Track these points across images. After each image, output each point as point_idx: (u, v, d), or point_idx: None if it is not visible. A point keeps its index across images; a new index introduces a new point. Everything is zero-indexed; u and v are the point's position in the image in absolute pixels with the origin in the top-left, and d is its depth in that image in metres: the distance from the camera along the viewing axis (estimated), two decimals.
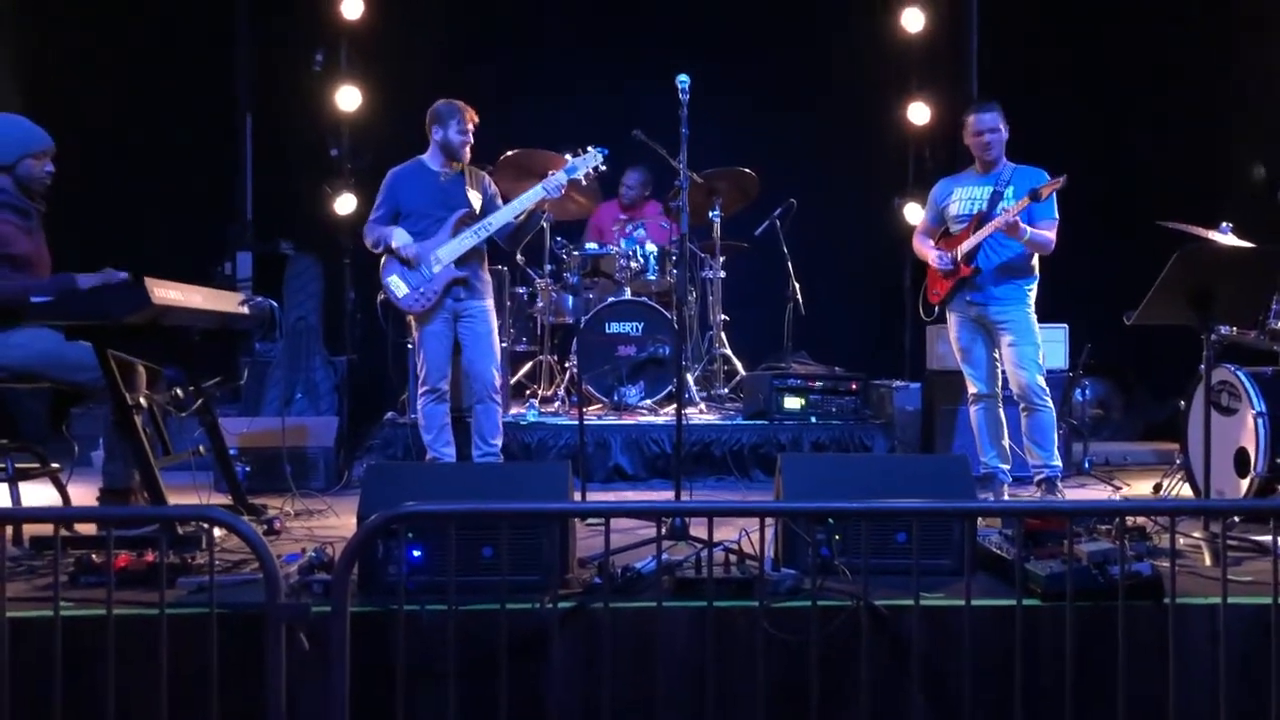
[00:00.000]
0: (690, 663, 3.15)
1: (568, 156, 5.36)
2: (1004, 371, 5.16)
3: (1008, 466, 5.21)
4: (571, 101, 7.93)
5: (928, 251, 5.23)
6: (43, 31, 7.61)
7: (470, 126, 5.22)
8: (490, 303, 5.33)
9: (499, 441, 5.32)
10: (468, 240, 5.15)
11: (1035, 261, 5.10)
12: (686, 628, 3.21)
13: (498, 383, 5.30)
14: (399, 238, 5.09)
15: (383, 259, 5.19)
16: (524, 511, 2.78)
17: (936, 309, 5.27)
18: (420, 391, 5.23)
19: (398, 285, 5.12)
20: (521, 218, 5.28)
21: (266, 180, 8.04)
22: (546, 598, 3.18)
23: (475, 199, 5.27)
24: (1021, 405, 5.07)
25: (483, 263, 5.32)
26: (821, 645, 2.88)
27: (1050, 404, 5.06)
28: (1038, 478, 5.10)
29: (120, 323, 3.93)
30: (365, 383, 7.16)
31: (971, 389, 5.21)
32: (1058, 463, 5.10)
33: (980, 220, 5.01)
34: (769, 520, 3.49)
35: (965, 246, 5.02)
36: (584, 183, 5.63)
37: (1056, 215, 5.01)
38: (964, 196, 5.13)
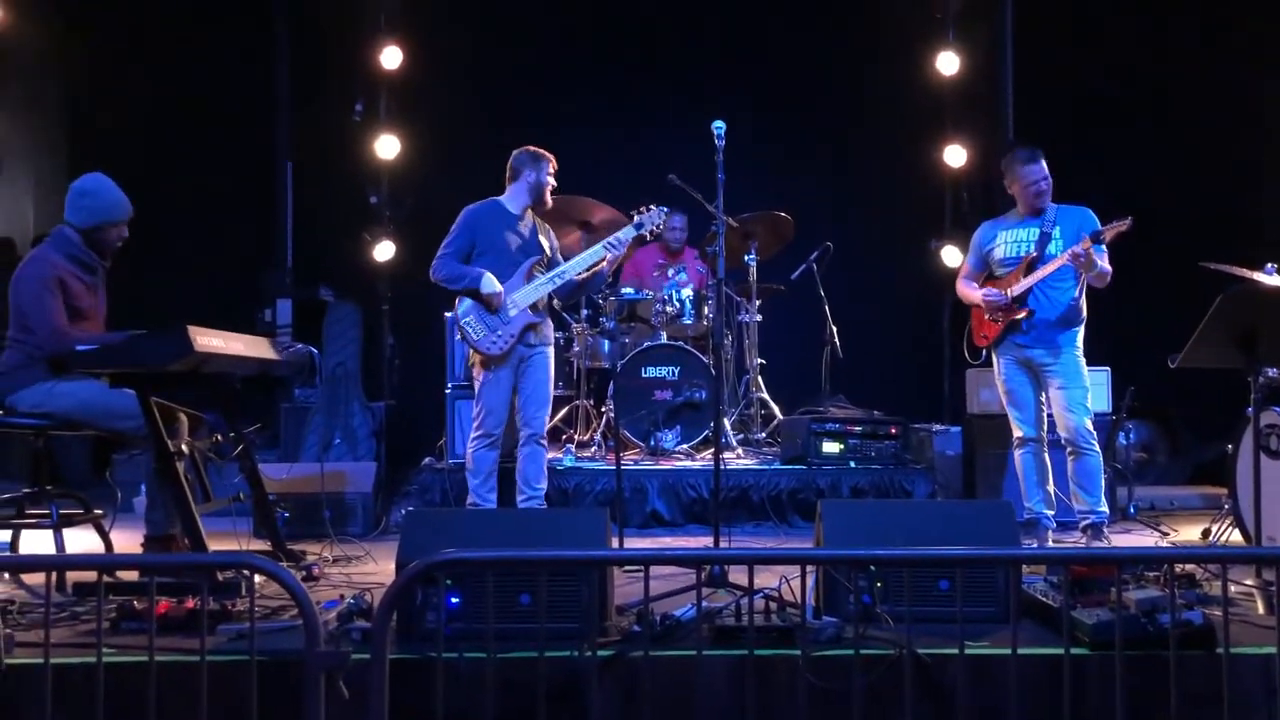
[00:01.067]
0: (730, 712, 3.11)
1: (634, 214, 5.38)
2: (1050, 415, 5.10)
3: (1052, 512, 5.14)
4: (608, 148, 8.00)
5: (973, 294, 5.20)
6: (87, 79, 7.78)
7: (554, 172, 5.27)
8: (552, 350, 5.34)
9: (544, 486, 5.28)
10: (544, 286, 5.17)
11: (1083, 305, 5.06)
12: (726, 676, 3.17)
13: (547, 428, 5.30)
14: (489, 285, 5.05)
15: (459, 298, 5.19)
16: (563, 560, 2.76)
17: (984, 352, 5.24)
18: (474, 435, 5.19)
19: (475, 327, 5.10)
20: (585, 275, 5.30)
21: (306, 228, 8.17)
22: (585, 645, 3.15)
23: (547, 246, 5.31)
24: (1069, 450, 5.01)
25: (548, 309, 5.34)
26: (864, 694, 2.83)
27: (1097, 448, 5.01)
28: (1084, 523, 5.02)
29: (163, 370, 3.98)
30: (403, 428, 7.19)
31: (1017, 432, 5.15)
32: (1104, 509, 5.02)
33: (1031, 264, 4.98)
34: (810, 568, 3.45)
35: (1017, 289, 4.98)
36: (648, 239, 5.65)
37: (1105, 250, 4.95)
38: (1010, 239, 5.11)
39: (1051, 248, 4.97)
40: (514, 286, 5.13)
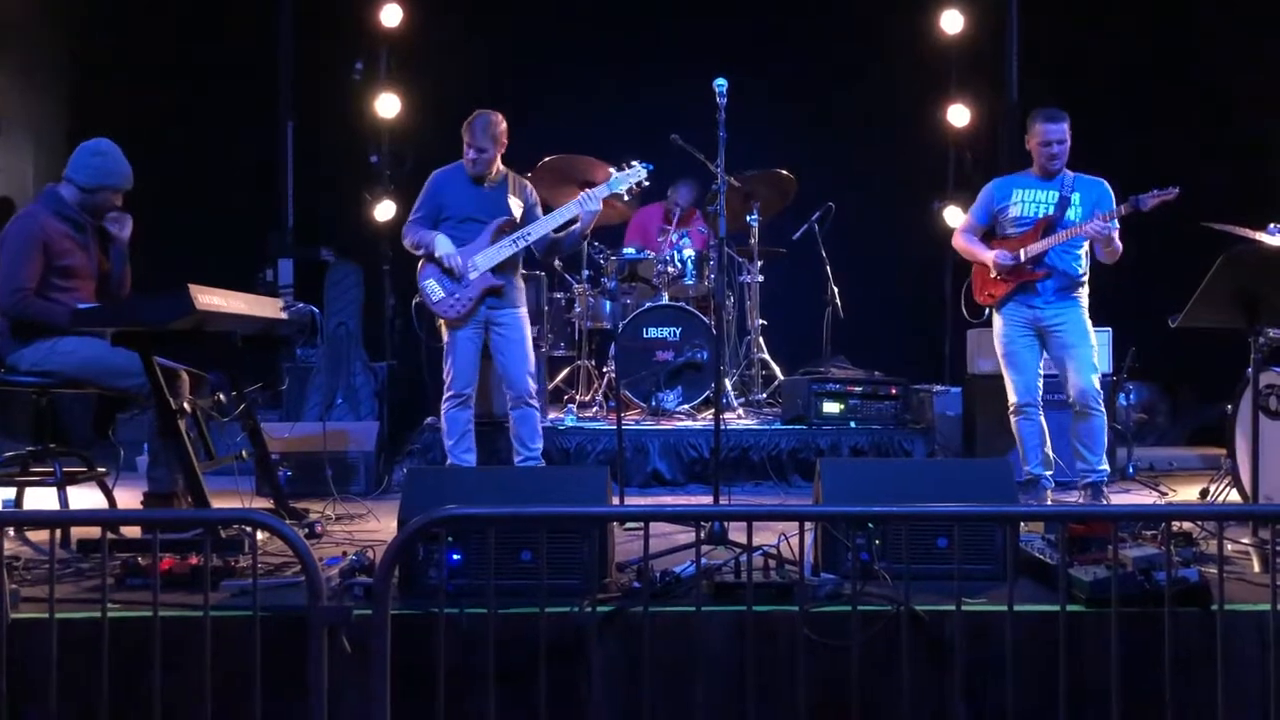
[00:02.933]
0: (730, 667, 3.14)
1: (611, 170, 5.36)
2: (1047, 377, 5.11)
3: (1050, 472, 5.16)
4: (609, 106, 7.96)
5: (978, 251, 5.15)
6: (86, 39, 7.73)
7: (468, 140, 5.14)
8: (524, 310, 5.34)
9: (539, 445, 5.33)
10: (505, 249, 5.16)
11: (1088, 276, 5.07)
12: (725, 632, 3.20)
13: (533, 388, 5.31)
14: (442, 246, 5.09)
15: (420, 262, 5.21)
16: (563, 515, 2.78)
17: (987, 311, 5.21)
18: (445, 396, 5.22)
19: (434, 289, 5.13)
20: (560, 233, 5.29)
21: (307, 187, 8.13)
22: (585, 601, 3.18)
23: (516, 207, 5.28)
24: (1076, 408, 5.00)
25: (517, 271, 5.33)
26: (862, 650, 2.86)
27: (1103, 409, 5.00)
28: (1083, 481, 5.04)
29: (164, 328, 3.99)
30: (405, 388, 7.22)
31: (1012, 397, 5.14)
32: (1105, 468, 5.03)
33: (1050, 225, 4.95)
34: (808, 525, 3.47)
35: (1035, 249, 4.94)
36: (626, 197, 5.62)
37: (1117, 226, 4.93)
38: (1027, 199, 5.05)
39: (1070, 213, 4.94)
40: (477, 248, 5.13)
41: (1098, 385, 4.98)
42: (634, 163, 5.33)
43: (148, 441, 4.52)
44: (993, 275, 5.11)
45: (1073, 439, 5.07)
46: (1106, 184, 5.01)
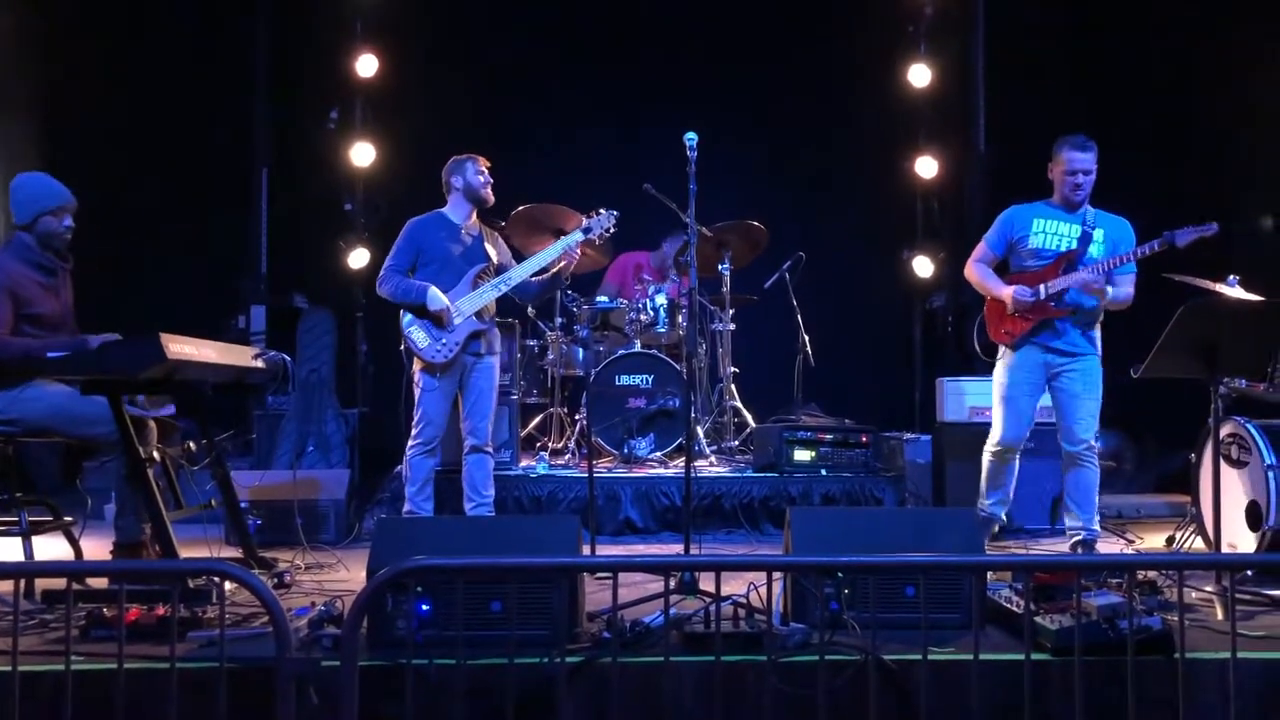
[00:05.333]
0: (700, 717, 3.14)
1: (583, 218, 5.43)
2: (1037, 423, 5.02)
3: (1005, 512, 5.15)
4: (583, 156, 8.06)
5: (993, 285, 4.94)
6: (62, 82, 7.74)
7: (486, 170, 5.31)
8: (497, 360, 5.38)
9: (491, 493, 5.33)
10: (489, 293, 5.21)
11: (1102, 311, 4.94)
12: (695, 682, 3.20)
13: (490, 435, 5.33)
14: (435, 301, 5.08)
15: (402, 309, 5.22)
16: (532, 566, 2.79)
17: (1003, 349, 4.99)
18: (413, 443, 5.21)
19: (419, 336, 5.13)
20: (543, 277, 5.34)
21: (281, 234, 8.15)
22: (555, 652, 3.18)
23: (493, 253, 5.34)
24: (1068, 457, 4.88)
25: (493, 319, 5.37)
26: (830, 700, 2.87)
27: (1096, 464, 4.89)
28: (1074, 540, 4.92)
29: (135, 377, 3.98)
30: (377, 435, 7.19)
31: (995, 435, 5.00)
32: (1097, 526, 4.93)
33: (1071, 260, 4.77)
34: (777, 575, 3.49)
35: (1055, 285, 4.76)
36: (598, 243, 5.68)
37: (1135, 268, 4.83)
38: (1050, 230, 4.86)
39: (1093, 249, 4.78)
40: (459, 294, 5.17)
41: (1094, 441, 4.88)
42: (602, 210, 5.40)
43: (115, 490, 4.48)
44: (1010, 311, 4.88)
45: (1064, 493, 4.95)
46: (1130, 226, 4.87)
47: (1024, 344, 4.89)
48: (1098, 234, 4.82)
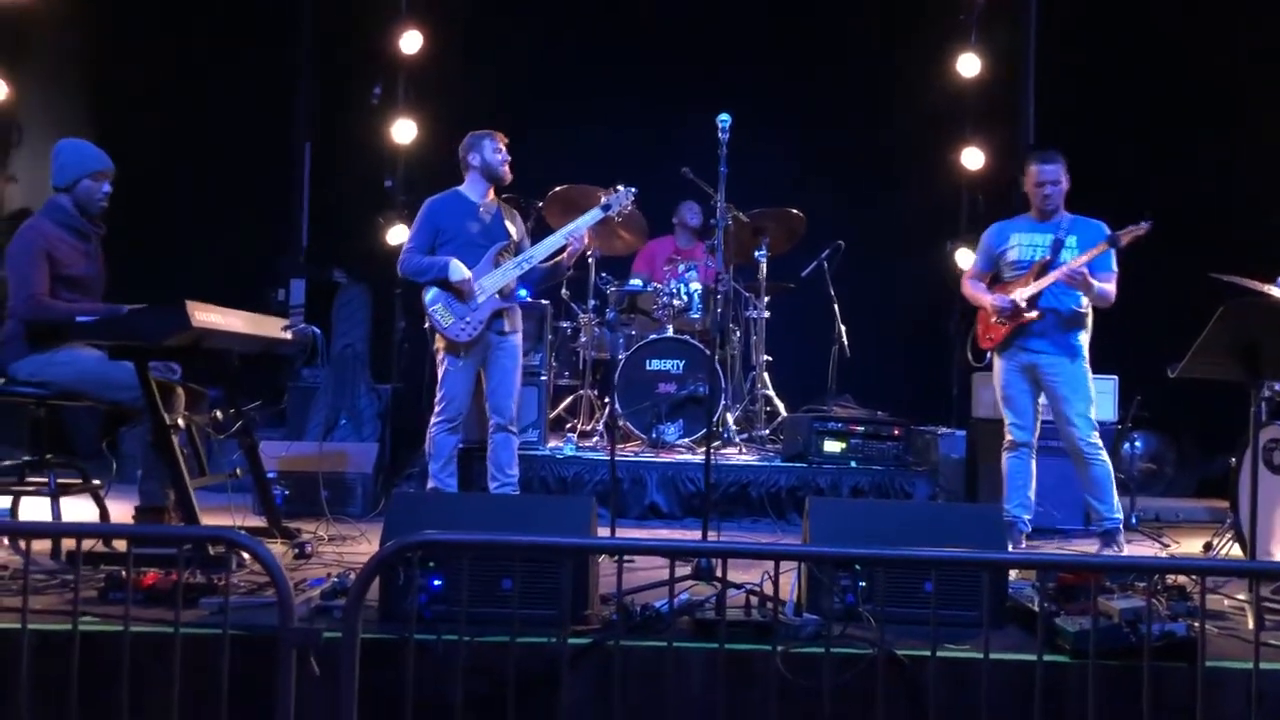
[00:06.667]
0: (704, 705, 3.10)
1: (601, 195, 5.38)
2: (1044, 422, 5.11)
3: (1029, 517, 5.16)
4: (622, 138, 7.99)
5: (982, 296, 5.18)
6: (107, 53, 7.82)
7: (504, 147, 5.26)
8: (520, 337, 5.35)
9: (516, 472, 5.31)
10: (511, 271, 5.19)
11: (1090, 314, 5.05)
12: (702, 669, 3.17)
13: (515, 414, 5.31)
14: (457, 272, 5.05)
15: (425, 287, 5.22)
16: (538, 545, 2.76)
17: (988, 355, 5.23)
18: (436, 420, 5.20)
19: (443, 314, 5.11)
20: (549, 262, 5.30)
21: (322, 209, 8.19)
22: (560, 633, 3.15)
23: (513, 231, 5.31)
24: (1075, 457, 5.01)
25: (515, 296, 5.35)
26: (838, 693, 2.82)
27: (1103, 457, 4.99)
28: (1098, 530, 5.07)
29: (160, 344, 4.01)
30: (409, 411, 7.21)
31: (1009, 436, 5.16)
32: (1118, 515, 5.01)
33: (1044, 268, 4.96)
34: (790, 565, 3.44)
35: (1028, 291, 4.96)
36: (618, 219, 5.61)
37: (1115, 268, 4.96)
38: (1024, 243, 5.09)
39: (1065, 255, 4.95)
40: (481, 272, 5.14)
41: (1093, 437, 4.97)
42: (619, 187, 5.35)
43: (141, 455, 4.53)
44: (992, 320, 5.14)
45: (1083, 492, 5.09)
46: (1105, 226, 4.99)
47: (1005, 348, 5.11)
48: (1070, 240, 4.99)
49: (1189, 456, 7.39)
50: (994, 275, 5.23)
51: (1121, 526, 5.04)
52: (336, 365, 6.90)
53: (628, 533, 5.36)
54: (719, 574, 3.55)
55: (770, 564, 3.75)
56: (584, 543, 3.12)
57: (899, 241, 8.03)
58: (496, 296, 5.15)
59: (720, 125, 4.38)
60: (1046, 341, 5.00)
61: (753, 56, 8.20)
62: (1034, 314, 4.97)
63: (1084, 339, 5.05)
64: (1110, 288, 4.93)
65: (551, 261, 5.31)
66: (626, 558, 4.18)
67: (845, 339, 6.98)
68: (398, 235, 7.80)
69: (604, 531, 4.31)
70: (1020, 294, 4.98)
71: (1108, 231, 4.95)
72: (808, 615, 3.47)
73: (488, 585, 3.31)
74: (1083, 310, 5.02)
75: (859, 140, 8.09)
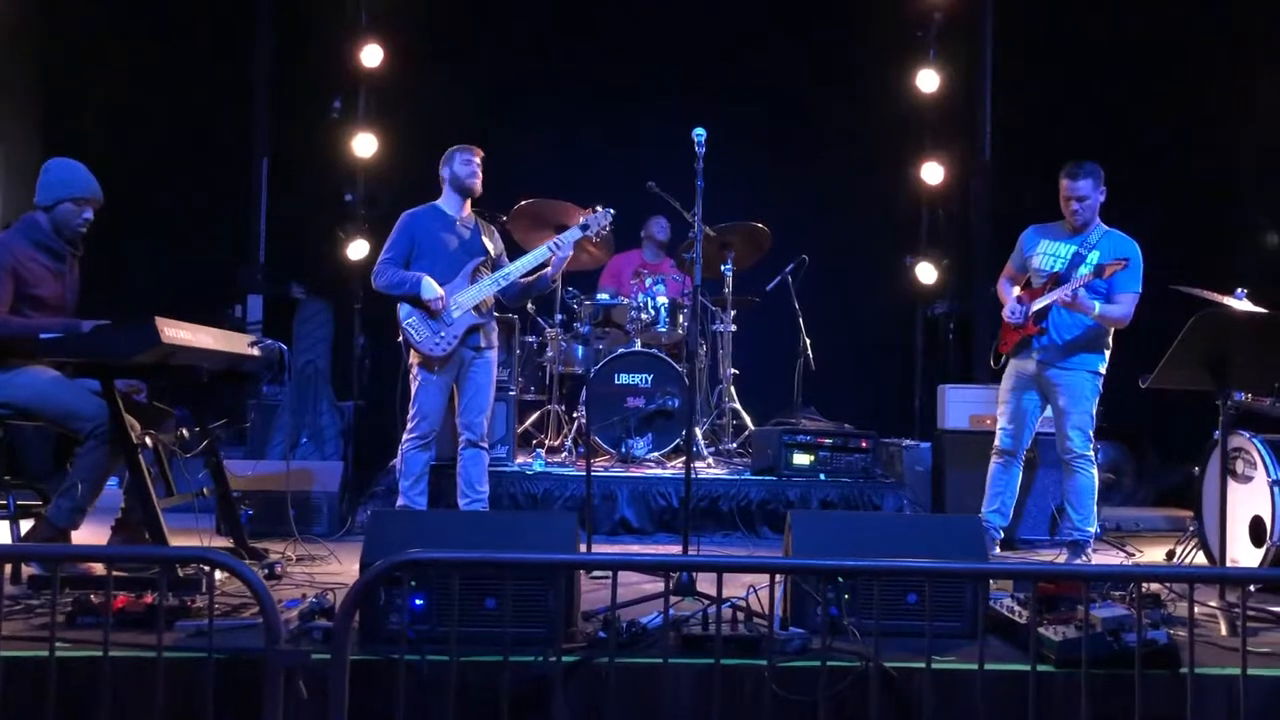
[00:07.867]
0: None
1: (580, 216, 5.38)
2: (1035, 433, 5.21)
3: (1004, 524, 5.21)
4: (587, 152, 7.99)
5: (1004, 298, 5.22)
6: (63, 67, 7.67)
7: (476, 160, 5.22)
8: (495, 354, 5.31)
9: (486, 489, 5.27)
10: (488, 287, 5.15)
11: (1109, 337, 5.04)
12: (692, 685, 3.15)
13: (486, 430, 5.27)
14: (429, 290, 5.00)
15: (399, 301, 5.15)
16: (529, 562, 2.73)
17: (1004, 358, 5.24)
18: (408, 436, 5.13)
19: (418, 329, 5.06)
20: (529, 277, 5.27)
21: (281, 224, 8.07)
22: (550, 651, 3.12)
23: (491, 247, 5.28)
24: (1064, 463, 5.07)
25: (492, 312, 5.32)
26: (830, 706, 2.82)
27: (1092, 471, 5.04)
28: (1065, 539, 5.10)
29: (130, 361, 3.92)
30: (372, 429, 7.13)
31: (997, 442, 5.20)
32: (1090, 529, 5.04)
33: (1057, 281, 4.96)
34: (778, 578, 3.43)
35: (1037, 305, 4.99)
36: (595, 240, 5.62)
37: (1139, 288, 4.92)
38: (1048, 251, 5.08)
39: (1080, 270, 4.92)
40: (457, 288, 5.10)
41: (1088, 450, 5.00)
42: (599, 207, 5.36)
43: (71, 469, 4.30)
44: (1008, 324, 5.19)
45: (1063, 498, 5.14)
46: (1136, 246, 4.96)
47: (1016, 355, 5.16)
48: (1092, 256, 4.96)
49: (1148, 467, 7.50)
50: (1027, 279, 5.22)
51: (1092, 540, 5.07)
52: (298, 383, 6.80)
53: (601, 548, 5.32)
54: (708, 589, 3.53)
55: (753, 578, 3.76)
56: (578, 559, 3.10)
57: (861, 255, 8.10)
58: (472, 312, 5.10)
59: (696, 139, 4.39)
60: (1057, 353, 5.01)
61: (716, 71, 8.23)
62: (1035, 328, 4.99)
63: (1096, 358, 5.02)
64: (1117, 309, 4.88)
65: (532, 277, 5.27)
66: (600, 574, 4.16)
67: (810, 352, 7.01)
68: (358, 250, 7.73)
69: (580, 548, 4.27)
70: (1033, 305, 5.00)
71: (1136, 248, 4.94)
72: (793, 629, 3.46)
73: (472, 604, 3.27)
74: (1094, 325, 4.97)
75: (821, 155, 8.16)
